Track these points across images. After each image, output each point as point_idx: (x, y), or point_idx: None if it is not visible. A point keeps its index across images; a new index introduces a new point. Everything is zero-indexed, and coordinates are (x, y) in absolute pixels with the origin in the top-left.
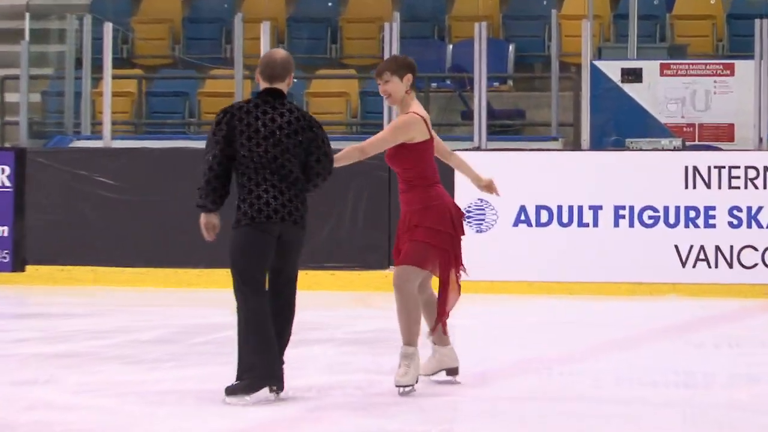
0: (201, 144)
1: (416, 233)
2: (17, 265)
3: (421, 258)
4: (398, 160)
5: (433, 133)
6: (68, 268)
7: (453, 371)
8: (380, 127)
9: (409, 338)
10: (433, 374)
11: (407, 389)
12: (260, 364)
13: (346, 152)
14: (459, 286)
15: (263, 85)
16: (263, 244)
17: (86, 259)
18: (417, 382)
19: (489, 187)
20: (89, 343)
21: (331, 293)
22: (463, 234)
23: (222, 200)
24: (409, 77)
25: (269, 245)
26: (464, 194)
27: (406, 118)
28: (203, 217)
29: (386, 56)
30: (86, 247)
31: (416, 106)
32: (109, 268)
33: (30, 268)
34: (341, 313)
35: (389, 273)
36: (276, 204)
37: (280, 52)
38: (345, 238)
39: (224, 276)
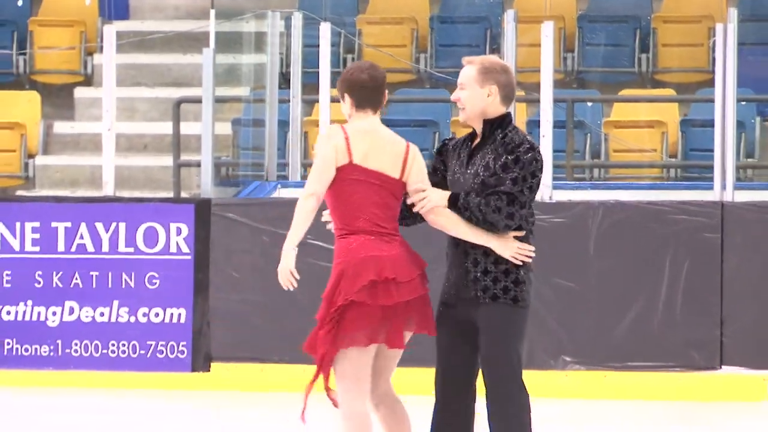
0: None
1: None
2: (199, 362)
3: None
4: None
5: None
6: (270, 368)
7: None
8: (710, 170)
9: None
10: None
11: None
12: None
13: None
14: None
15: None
16: None
17: (294, 355)
18: None
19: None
20: None
21: (640, 403)
22: (389, 302)
23: None
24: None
25: None
26: None
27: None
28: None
29: (718, 71)
30: (294, 338)
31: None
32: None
33: (216, 368)
34: None
35: (724, 375)
36: None
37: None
38: (658, 327)
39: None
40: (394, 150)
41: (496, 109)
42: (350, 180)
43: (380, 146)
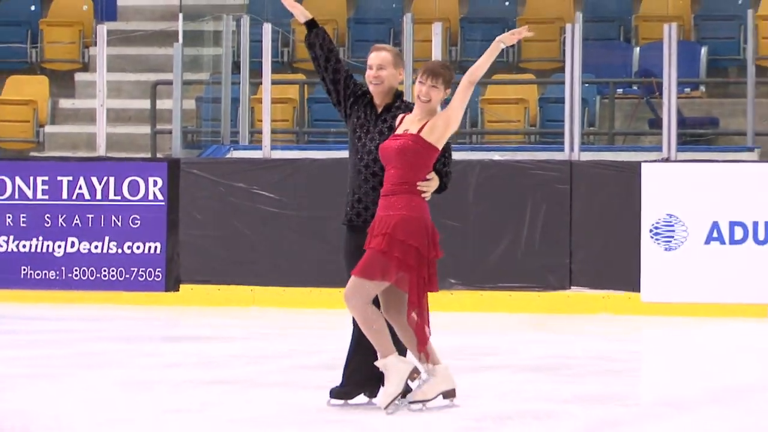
0: None
1: (378, 241)
2: (170, 284)
3: (370, 268)
4: (412, 157)
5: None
6: (225, 288)
7: (449, 393)
8: (561, 136)
9: (383, 350)
10: (430, 399)
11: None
12: None
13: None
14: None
15: None
16: None
17: (244, 278)
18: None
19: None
20: (246, 369)
21: (508, 315)
22: (437, 256)
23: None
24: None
25: None
26: (652, 209)
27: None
28: None
29: (568, 60)
30: (244, 265)
31: None
32: (269, 288)
33: (184, 288)
34: (519, 337)
35: (571, 294)
36: None
37: None
38: (522, 256)
39: None
40: None
41: (398, 85)
42: (434, 158)
43: None
